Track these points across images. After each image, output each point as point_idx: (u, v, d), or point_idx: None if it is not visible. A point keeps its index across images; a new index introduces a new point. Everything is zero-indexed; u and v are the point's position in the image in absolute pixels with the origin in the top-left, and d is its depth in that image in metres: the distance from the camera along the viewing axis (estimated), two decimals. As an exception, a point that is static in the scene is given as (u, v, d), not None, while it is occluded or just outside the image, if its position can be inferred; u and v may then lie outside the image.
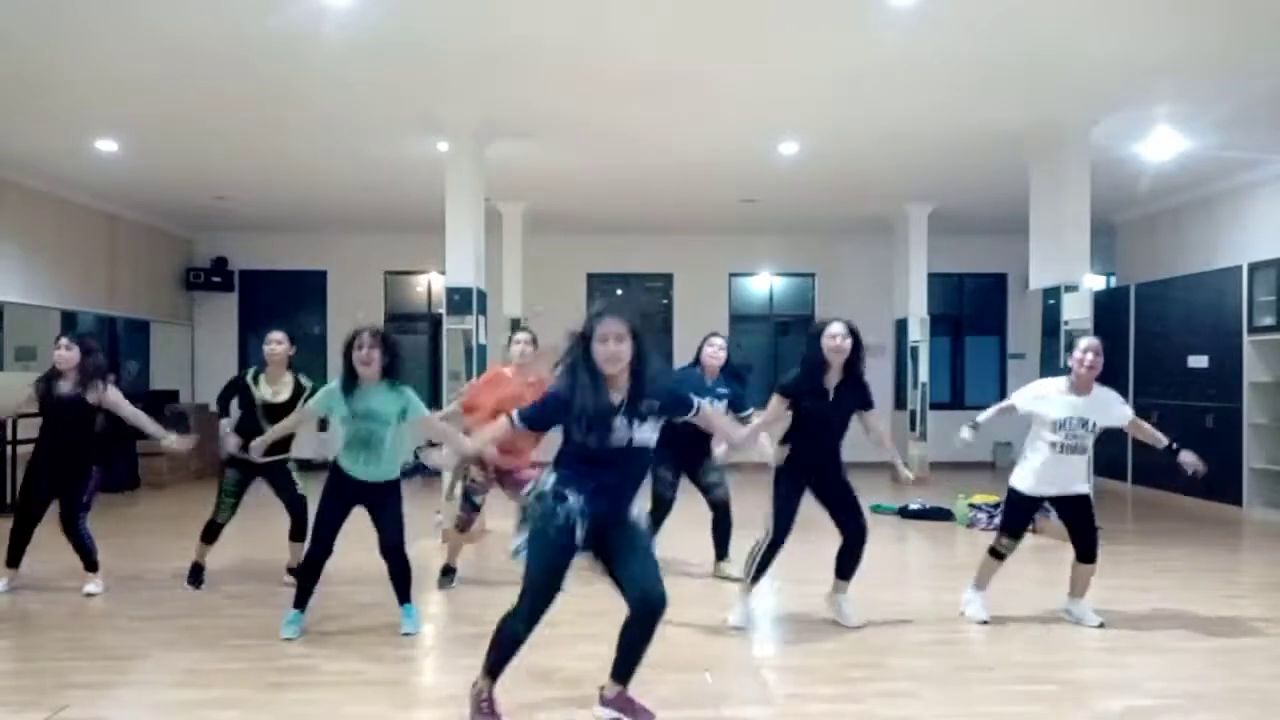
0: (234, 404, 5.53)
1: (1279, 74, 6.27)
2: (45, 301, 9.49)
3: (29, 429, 8.22)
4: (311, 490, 5.56)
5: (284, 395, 5.41)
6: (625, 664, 3.39)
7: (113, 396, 5.32)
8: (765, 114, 7.35)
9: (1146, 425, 4.89)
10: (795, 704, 3.77)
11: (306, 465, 5.61)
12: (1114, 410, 4.82)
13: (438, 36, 5.77)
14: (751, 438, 4.56)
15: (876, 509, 8.70)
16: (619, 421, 3.22)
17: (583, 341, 3.25)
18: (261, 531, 5.58)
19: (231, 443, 5.29)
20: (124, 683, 3.99)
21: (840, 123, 7.60)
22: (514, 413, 3.40)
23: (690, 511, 5.93)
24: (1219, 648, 4.50)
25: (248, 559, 5.61)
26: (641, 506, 3.49)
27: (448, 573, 5.66)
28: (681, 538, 5.94)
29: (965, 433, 4.94)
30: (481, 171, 7.70)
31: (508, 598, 4.85)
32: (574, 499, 3.21)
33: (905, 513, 8.56)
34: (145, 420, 5.34)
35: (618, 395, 3.24)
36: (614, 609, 3.34)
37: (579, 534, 3.21)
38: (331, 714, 3.62)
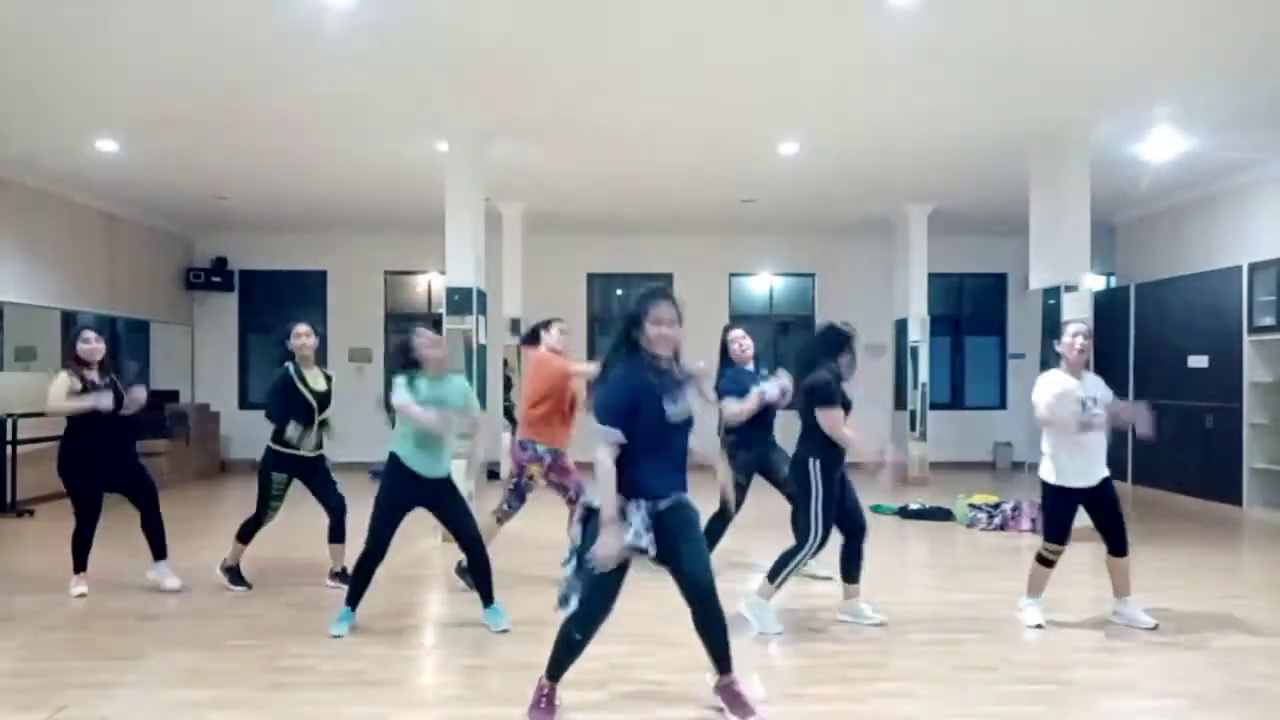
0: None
1: (1279, 74, 6.28)
2: (45, 301, 9.49)
3: (29, 429, 8.29)
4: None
5: (323, 384, 5.45)
6: (711, 653, 3.47)
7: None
8: (765, 114, 7.35)
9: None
10: (795, 704, 3.77)
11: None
12: (1103, 388, 4.86)
13: (438, 37, 5.77)
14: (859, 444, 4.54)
15: (876, 509, 8.69)
16: (676, 396, 3.27)
17: (630, 324, 3.28)
18: (261, 532, 5.57)
19: (310, 442, 5.32)
20: (124, 683, 3.99)
21: (840, 123, 7.60)
22: (603, 429, 3.20)
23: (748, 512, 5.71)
24: (1219, 648, 4.49)
25: (248, 560, 5.60)
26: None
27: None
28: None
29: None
30: (481, 171, 7.70)
31: (508, 599, 4.87)
32: (635, 517, 3.22)
33: (905, 513, 8.56)
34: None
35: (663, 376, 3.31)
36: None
37: (644, 545, 3.23)
38: (331, 714, 3.62)
